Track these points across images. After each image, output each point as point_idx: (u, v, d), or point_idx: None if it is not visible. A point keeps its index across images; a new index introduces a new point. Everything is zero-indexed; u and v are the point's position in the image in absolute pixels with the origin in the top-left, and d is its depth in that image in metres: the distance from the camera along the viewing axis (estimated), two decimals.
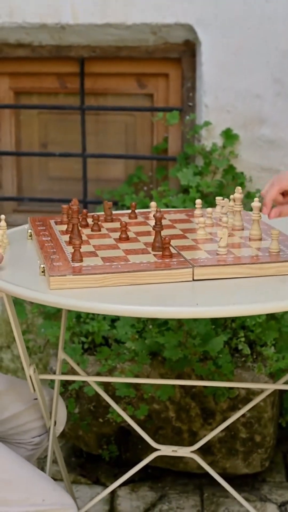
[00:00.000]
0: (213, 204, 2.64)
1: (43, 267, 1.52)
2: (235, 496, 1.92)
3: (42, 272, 1.52)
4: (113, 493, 2.46)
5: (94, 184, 3.03)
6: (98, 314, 2.46)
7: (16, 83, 3.05)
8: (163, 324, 2.35)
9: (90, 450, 2.54)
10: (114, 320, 2.49)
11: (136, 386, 2.36)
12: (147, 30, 2.77)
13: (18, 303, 2.63)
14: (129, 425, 2.43)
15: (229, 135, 2.74)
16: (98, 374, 2.38)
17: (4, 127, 3.09)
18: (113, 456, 2.52)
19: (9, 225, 3.08)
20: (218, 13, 2.67)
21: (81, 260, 1.53)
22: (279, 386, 2.00)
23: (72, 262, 1.53)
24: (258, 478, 2.51)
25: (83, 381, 2.39)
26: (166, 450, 1.86)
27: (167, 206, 2.69)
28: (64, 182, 3.10)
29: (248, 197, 2.72)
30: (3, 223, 1.75)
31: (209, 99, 2.74)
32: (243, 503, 1.92)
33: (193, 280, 1.49)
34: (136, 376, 2.35)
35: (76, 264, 1.51)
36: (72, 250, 1.54)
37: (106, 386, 2.37)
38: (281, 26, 2.64)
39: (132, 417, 2.35)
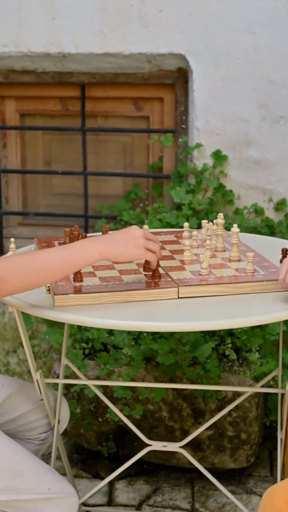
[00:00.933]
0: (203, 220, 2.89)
1: (49, 286, 1.77)
2: (219, 488, 2.17)
3: (48, 290, 1.77)
4: (111, 486, 2.71)
5: (94, 200, 3.28)
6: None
7: (21, 106, 3.29)
8: (156, 333, 2.60)
9: (91, 447, 2.79)
10: (111, 329, 2.74)
11: (132, 388, 2.61)
12: (143, 59, 3.02)
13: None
14: (126, 424, 2.68)
15: (218, 156, 2.98)
16: (98, 377, 2.63)
17: (10, 147, 3.33)
18: (111, 452, 2.77)
19: (15, 237, 3.36)
20: (208, 44, 2.91)
21: (81, 280, 1.77)
22: (258, 389, 2.25)
23: (74, 282, 1.77)
24: (245, 472, 2.76)
25: (84, 384, 2.63)
26: (157, 445, 2.11)
27: (161, 222, 2.93)
28: (66, 198, 3.34)
29: (237, 213, 2.97)
30: (13, 245, 1.99)
31: (200, 122, 2.99)
32: (227, 494, 2.17)
33: (178, 297, 1.74)
34: (132, 379, 2.60)
35: (77, 284, 1.76)
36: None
37: (105, 388, 2.62)
38: (266, 56, 2.88)
39: (128, 416, 2.60)
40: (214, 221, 2.07)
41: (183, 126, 3.11)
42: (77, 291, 1.73)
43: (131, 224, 2.99)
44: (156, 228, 2.83)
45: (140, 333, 2.66)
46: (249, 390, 2.31)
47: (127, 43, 2.98)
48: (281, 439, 2.11)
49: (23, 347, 3.08)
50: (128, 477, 2.76)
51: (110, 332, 2.72)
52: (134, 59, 3.02)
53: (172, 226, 2.89)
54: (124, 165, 3.28)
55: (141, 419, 2.65)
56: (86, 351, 2.72)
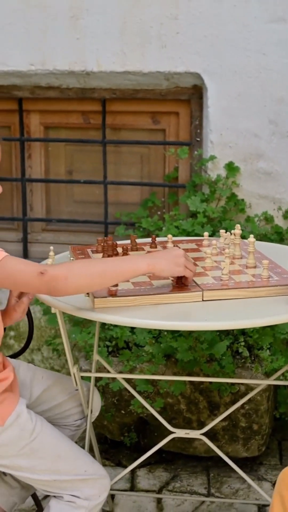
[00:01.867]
0: (217, 227, 3.15)
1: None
2: (236, 471, 2.43)
3: (87, 294, 2.03)
4: (133, 473, 2.97)
5: (113, 207, 3.54)
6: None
7: (45, 119, 3.55)
8: (176, 331, 2.86)
9: (113, 437, 3.06)
10: (133, 327, 3.00)
11: (153, 382, 2.87)
12: (161, 77, 3.28)
13: (49, 312, 3.13)
14: (147, 415, 2.95)
15: (231, 168, 3.24)
16: (121, 372, 2.89)
17: (34, 158, 3.59)
18: (133, 442, 3.03)
19: (39, 242, 3.61)
20: (222, 64, 3.18)
21: (117, 285, 2.03)
22: (270, 381, 2.51)
23: (110, 287, 2.03)
24: (256, 461, 3.02)
25: (109, 379, 2.89)
26: (180, 432, 2.37)
27: (178, 229, 3.19)
28: (87, 205, 3.60)
29: (248, 220, 3.23)
30: (52, 253, 2.25)
31: (214, 136, 3.25)
32: (244, 476, 2.44)
33: (203, 300, 2.00)
34: (153, 374, 2.86)
35: (113, 288, 2.02)
36: None
37: (128, 382, 2.88)
38: (276, 76, 3.14)
39: (151, 405, 2.86)
40: (232, 231, 2.32)
41: (198, 139, 3.37)
42: (114, 294, 1.99)
43: (149, 230, 3.26)
44: (173, 234, 3.08)
45: (160, 332, 2.92)
46: (263, 383, 2.57)
47: (146, 62, 3.24)
48: None
49: (47, 345, 3.35)
50: (149, 465, 3.02)
51: (132, 331, 2.97)
52: (153, 77, 3.28)
53: (188, 233, 3.15)
54: (142, 174, 3.54)
55: (161, 411, 2.91)
56: (110, 349, 2.98)
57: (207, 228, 3.12)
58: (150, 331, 2.94)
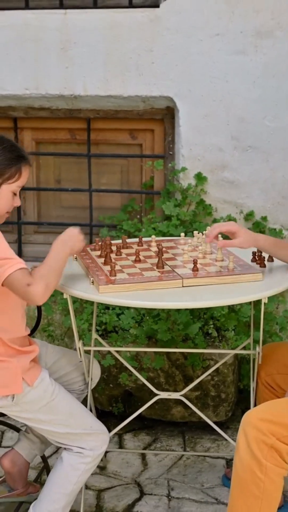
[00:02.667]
0: (188, 228, 3.75)
1: (92, 280, 2.61)
2: (210, 424, 3.03)
3: (92, 283, 2.61)
4: (120, 437, 3.56)
5: (97, 211, 4.13)
6: (110, 309, 3.55)
7: (37, 135, 4.13)
8: (156, 316, 3.46)
9: (103, 408, 3.64)
10: (119, 314, 3.59)
11: (137, 359, 3.46)
12: (138, 100, 3.87)
13: (46, 304, 3.70)
14: (131, 388, 3.54)
15: (200, 177, 3.84)
16: (109, 352, 3.48)
17: None
18: (120, 411, 3.62)
19: (31, 243, 4.18)
20: (191, 89, 3.78)
21: (115, 275, 2.62)
22: (238, 351, 3.11)
23: (110, 276, 2.62)
24: (223, 425, 3.63)
25: (100, 356, 3.47)
26: (163, 394, 2.97)
27: (155, 230, 3.78)
28: (74, 210, 4.18)
29: (215, 221, 3.83)
30: None
31: (185, 150, 3.85)
32: (216, 428, 3.04)
33: (183, 286, 2.59)
34: (137, 353, 3.45)
35: (113, 278, 2.61)
36: (109, 269, 2.63)
37: (116, 360, 3.47)
38: (237, 99, 3.75)
39: (134, 381, 3.45)
40: (204, 232, 2.93)
41: (171, 152, 3.97)
42: (114, 282, 2.57)
43: (130, 231, 3.84)
44: (151, 235, 3.66)
45: (142, 317, 3.51)
46: (232, 352, 3.18)
47: (126, 87, 3.83)
48: (253, 388, 2.97)
49: (43, 331, 3.92)
50: (133, 430, 3.62)
51: (118, 317, 3.56)
52: (131, 100, 3.87)
53: (164, 234, 3.74)
54: (122, 183, 4.13)
55: (144, 384, 3.50)
56: (100, 332, 3.57)
57: (180, 229, 3.71)
58: (133, 316, 3.53)
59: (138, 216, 4.06)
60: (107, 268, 2.69)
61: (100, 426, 2.75)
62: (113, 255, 2.85)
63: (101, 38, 3.79)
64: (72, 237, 2.60)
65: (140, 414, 3.06)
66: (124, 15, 3.78)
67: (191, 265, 2.72)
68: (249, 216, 3.83)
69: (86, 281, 2.67)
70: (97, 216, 4.11)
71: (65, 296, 2.65)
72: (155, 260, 2.76)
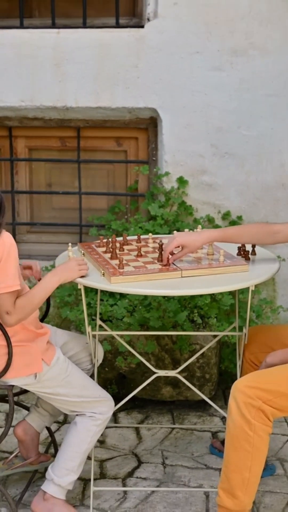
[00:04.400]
0: (172, 227, 4.24)
1: (103, 272, 3.10)
2: (202, 397, 3.54)
3: (102, 275, 3.10)
4: (115, 416, 4.05)
5: (86, 212, 4.61)
6: (104, 301, 4.03)
7: (30, 143, 4.59)
8: (148, 305, 3.95)
9: None
10: (112, 304, 4.07)
11: (131, 344, 3.96)
12: (125, 111, 4.36)
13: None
14: (125, 371, 4.03)
15: (182, 181, 4.35)
16: (106, 338, 3.96)
17: (20, 173, 4.63)
18: (114, 393, 4.11)
19: (25, 242, 4.65)
20: (173, 101, 4.28)
21: (123, 268, 3.11)
22: (226, 333, 3.63)
23: (119, 269, 3.10)
24: (208, 403, 4.13)
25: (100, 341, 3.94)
26: (161, 372, 3.46)
27: (141, 229, 4.27)
28: (64, 211, 4.66)
29: (196, 221, 4.34)
30: (70, 247, 3.30)
31: (168, 157, 4.36)
32: (206, 399, 3.54)
33: (182, 277, 3.09)
34: (131, 340, 3.94)
35: (121, 270, 3.09)
36: (118, 262, 3.12)
37: (112, 344, 3.96)
38: (215, 111, 4.27)
39: (128, 365, 3.95)
40: (195, 230, 3.43)
41: (154, 158, 4.48)
42: (123, 274, 3.06)
43: (118, 230, 4.33)
44: (138, 233, 4.14)
45: (134, 307, 4.01)
46: (221, 334, 3.68)
47: (114, 100, 4.32)
48: (239, 365, 3.48)
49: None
50: (126, 409, 4.12)
51: (112, 307, 4.05)
52: (119, 111, 4.37)
53: (150, 232, 4.24)
54: (108, 186, 4.62)
55: (136, 367, 4.00)
56: (96, 322, 4.04)
57: (165, 228, 4.21)
58: (126, 307, 4.02)
59: (126, 217, 4.55)
60: (114, 262, 3.18)
61: (107, 395, 3.23)
62: (116, 251, 3.34)
63: (91, 55, 4.28)
64: (67, 268, 3.09)
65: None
66: (112, 34, 4.27)
67: (187, 259, 3.22)
68: (226, 215, 4.35)
69: (96, 274, 3.15)
70: (86, 217, 4.59)
71: (79, 286, 3.13)
72: (154, 255, 3.26)
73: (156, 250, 3.28)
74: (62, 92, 4.34)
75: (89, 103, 4.34)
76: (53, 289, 3.06)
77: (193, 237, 3.17)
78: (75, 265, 3.08)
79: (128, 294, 3.98)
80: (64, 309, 4.14)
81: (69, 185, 4.61)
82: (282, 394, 2.88)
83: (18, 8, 4.37)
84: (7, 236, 2.96)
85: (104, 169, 4.60)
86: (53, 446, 3.63)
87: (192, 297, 4.00)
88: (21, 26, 4.36)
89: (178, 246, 3.16)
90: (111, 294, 4.06)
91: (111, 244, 3.29)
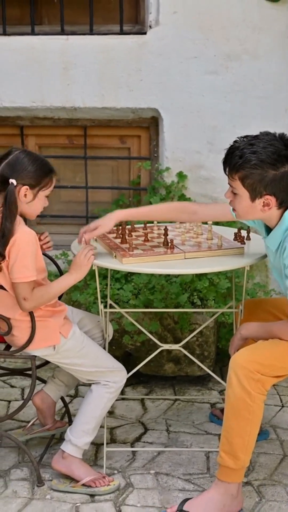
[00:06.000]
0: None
1: (115, 254, 3.52)
2: (206, 370, 3.98)
3: (114, 257, 3.52)
4: (122, 390, 4.47)
5: (92, 205, 5.04)
6: (112, 285, 4.46)
7: (40, 140, 5.02)
8: (151, 288, 4.38)
9: None
10: (119, 288, 4.49)
11: (138, 323, 4.38)
12: (128, 111, 4.79)
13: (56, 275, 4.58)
14: (131, 349, 4.46)
15: (181, 176, 4.78)
16: (113, 319, 4.39)
17: None
18: None
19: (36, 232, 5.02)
20: (173, 102, 4.72)
21: (133, 250, 3.53)
22: (224, 310, 4.07)
23: (129, 251, 3.53)
24: (206, 378, 4.57)
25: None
26: (165, 346, 3.89)
27: None
28: (72, 204, 5.09)
29: None
30: (94, 242, 3.72)
31: (168, 153, 4.79)
32: (206, 369, 3.97)
33: (185, 258, 3.52)
34: (136, 320, 4.36)
35: (132, 252, 3.52)
36: (128, 246, 3.55)
37: (119, 324, 4.38)
38: (211, 111, 4.70)
39: (135, 341, 4.38)
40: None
41: (155, 155, 4.91)
42: (133, 256, 3.49)
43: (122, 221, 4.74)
44: (142, 223, 4.57)
45: (140, 289, 4.44)
46: (220, 311, 4.10)
47: (118, 101, 4.75)
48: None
49: None
50: (131, 385, 4.54)
51: (119, 291, 4.47)
52: (123, 111, 4.80)
53: (152, 222, 4.67)
54: (112, 181, 5.05)
55: (141, 345, 4.43)
56: (104, 304, 4.47)
57: None
58: (131, 290, 4.44)
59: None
60: (125, 245, 3.61)
61: (120, 365, 3.65)
62: (126, 237, 3.77)
63: (97, 60, 4.71)
64: (78, 265, 3.41)
65: (137, 370, 3.96)
66: (116, 40, 4.70)
67: (189, 243, 3.66)
68: None
69: (108, 257, 3.57)
70: (92, 209, 5.02)
71: (93, 267, 3.55)
72: (159, 239, 3.69)
73: (161, 236, 3.71)
74: (70, 93, 4.76)
75: (95, 104, 4.77)
76: (69, 286, 3.47)
77: (105, 219, 3.59)
78: (84, 259, 3.44)
79: (133, 279, 4.40)
80: (74, 293, 4.56)
81: (76, 180, 5.04)
82: (279, 368, 3.28)
83: (29, 16, 4.79)
84: (22, 232, 3.35)
85: (109, 165, 5.03)
86: (67, 416, 4.05)
87: (192, 281, 4.42)
88: (32, 33, 4.78)
89: (96, 229, 3.58)
90: (117, 280, 4.48)
91: (121, 230, 3.72)
